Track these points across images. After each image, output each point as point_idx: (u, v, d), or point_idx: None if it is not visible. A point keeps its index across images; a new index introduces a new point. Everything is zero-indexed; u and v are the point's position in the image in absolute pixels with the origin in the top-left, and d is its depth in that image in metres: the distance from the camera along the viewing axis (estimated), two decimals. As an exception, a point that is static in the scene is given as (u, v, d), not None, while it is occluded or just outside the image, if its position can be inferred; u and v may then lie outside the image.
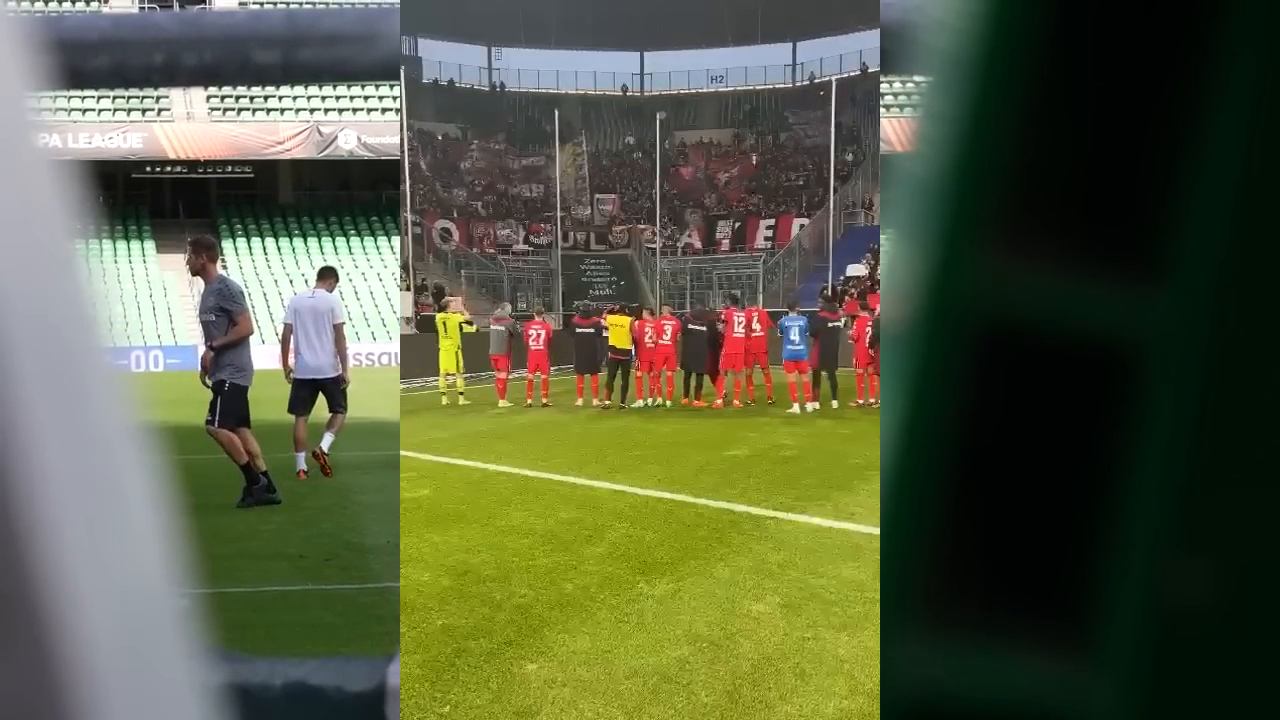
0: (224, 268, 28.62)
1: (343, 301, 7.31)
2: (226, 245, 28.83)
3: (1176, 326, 0.41)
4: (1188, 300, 0.41)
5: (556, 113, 27.88)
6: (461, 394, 11.71)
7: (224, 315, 5.83)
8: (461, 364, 11.99)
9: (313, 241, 29.28)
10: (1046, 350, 0.42)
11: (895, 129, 28.46)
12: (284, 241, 29.21)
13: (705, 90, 35.74)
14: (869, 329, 10.84)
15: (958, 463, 0.43)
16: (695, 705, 2.67)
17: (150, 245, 28.04)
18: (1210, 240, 0.40)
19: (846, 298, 20.96)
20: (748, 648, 3.11)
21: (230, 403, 5.76)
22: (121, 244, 27.73)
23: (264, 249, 28.97)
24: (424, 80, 32.99)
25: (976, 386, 0.43)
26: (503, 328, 12.03)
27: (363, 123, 28.00)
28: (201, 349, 6.08)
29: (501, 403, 11.40)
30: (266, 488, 5.84)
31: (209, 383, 5.84)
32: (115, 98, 26.23)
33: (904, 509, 0.43)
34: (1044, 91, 0.41)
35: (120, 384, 0.31)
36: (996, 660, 0.43)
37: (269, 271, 28.08)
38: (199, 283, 6.27)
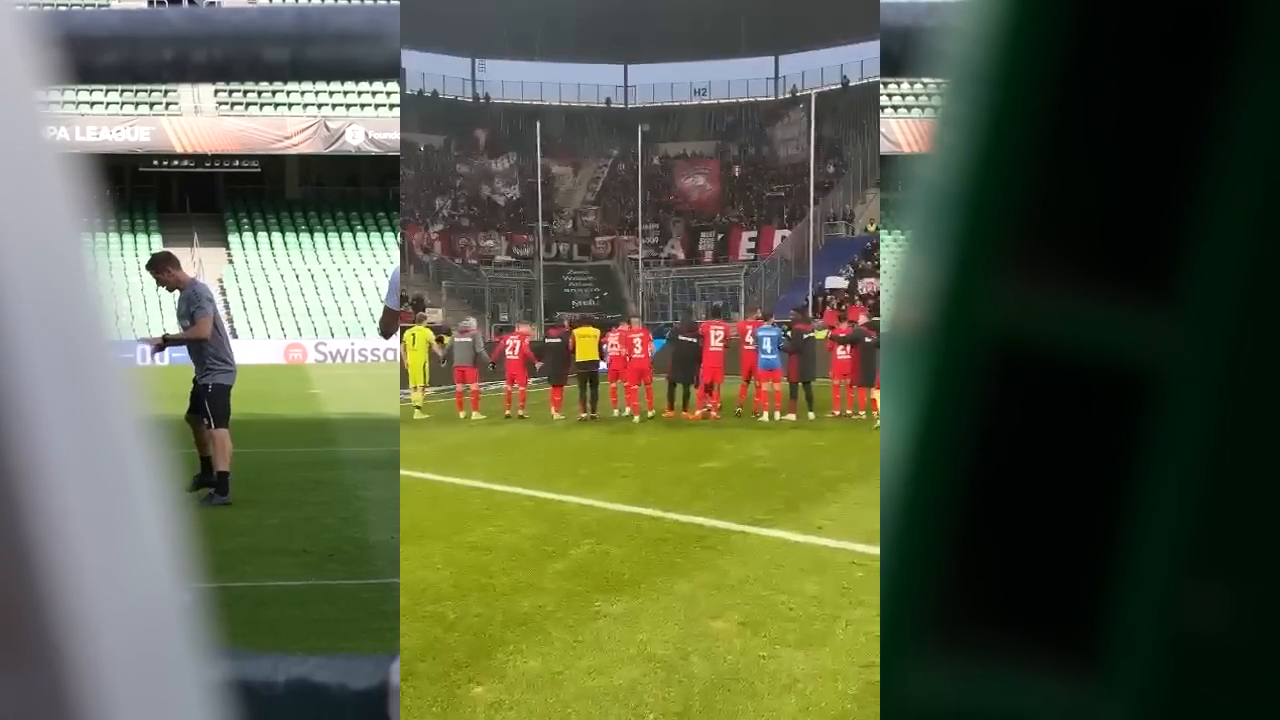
0: (230, 261, 28.57)
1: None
2: (233, 240, 28.69)
3: (1194, 349, 0.40)
4: (1206, 322, 0.40)
5: (539, 125, 27.89)
6: (418, 408, 11.44)
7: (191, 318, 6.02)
8: (427, 377, 11.90)
9: (319, 236, 29.25)
10: (1061, 371, 0.41)
11: (901, 130, 28.66)
12: (290, 236, 29.14)
13: (688, 103, 35.88)
14: (842, 339, 10.86)
15: (968, 483, 0.42)
16: (642, 728, 2.61)
17: (157, 239, 27.93)
18: (1230, 262, 0.40)
19: (827, 309, 21.05)
20: (702, 667, 3.05)
21: (217, 401, 5.90)
22: (128, 237, 27.57)
23: (270, 244, 28.88)
24: (408, 91, 32.95)
25: (989, 406, 0.42)
26: (468, 339, 11.97)
27: (370, 119, 27.99)
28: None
29: (473, 414, 11.33)
30: (217, 490, 5.88)
31: (160, 348, 6.05)
32: (123, 91, 26.17)
33: (911, 529, 0.42)
34: (1062, 109, 0.41)
35: (126, 378, 0.31)
36: (1005, 686, 0.42)
37: (275, 266, 27.98)
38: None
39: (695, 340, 11.02)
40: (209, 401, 5.87)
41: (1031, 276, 0.41)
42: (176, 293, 6.11)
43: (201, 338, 5.88)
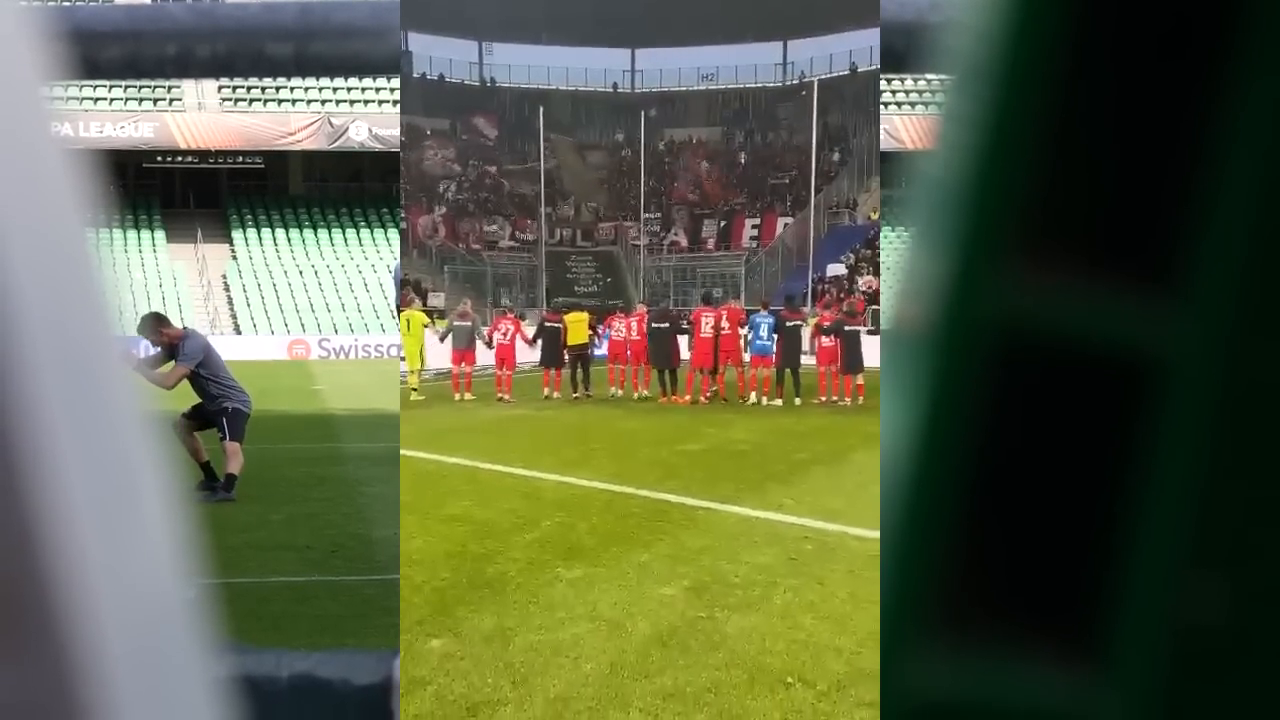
0: (233, 257, 28.60)
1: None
2: (237, 236, 28.86)
3: (1195, 340, 0.40)
4: (1207, 314, 0.40)
5: (542, 109, 28.02)
6: (415, 390, 11.78)
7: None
8: (424, 361, 12.22)
9: (323, 233, 29.40)
10: (1063, 362, 0.42)
11: (904, 126, 28.69)
12: (294, 232, 29.31)
13: (695, 88, 35.91)
14: (825, 328, 11.10)
15: (971, 474, 0.43)
16: (578, 676, 2.87)
17: (160, 235, 28.13)
18: (1230, 254, 0.40)
19: (825, 295, 21.24)
20: (643, 625, 3.31)
21: (234, 422, 6.05)
22: (131, 233, 27.80)
23: (274, 240, 29.08)
24: (414, 75, 33.11)
25: (992, 397, 0.42)
26: (466, 323, 12.28)
27: (374, 114, 28.09)
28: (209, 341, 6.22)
29: (462, 396, 11.62)
30: (223, 486, 6.02)
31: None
32: (127, 87, 26.28)
33: (915, 520, 0.42)
34: (1064, 102, 0.41)
35: (131, 374, 0.31)
36: (1007, 676, 0.43)
37: (279, 262, 28.18)
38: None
39: (667, 326, 11.47)
40: (227, 420, 5.97)
41: (1035, 270, 0.41)
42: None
43: (161, 386, 5.76)
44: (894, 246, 26.27)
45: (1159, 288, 0.41)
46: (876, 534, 4.52)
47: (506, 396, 11.51)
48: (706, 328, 11.25)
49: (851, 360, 10.75)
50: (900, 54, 0.93)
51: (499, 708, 2.66)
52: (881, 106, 29.28)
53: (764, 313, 11.36)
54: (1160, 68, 0.41)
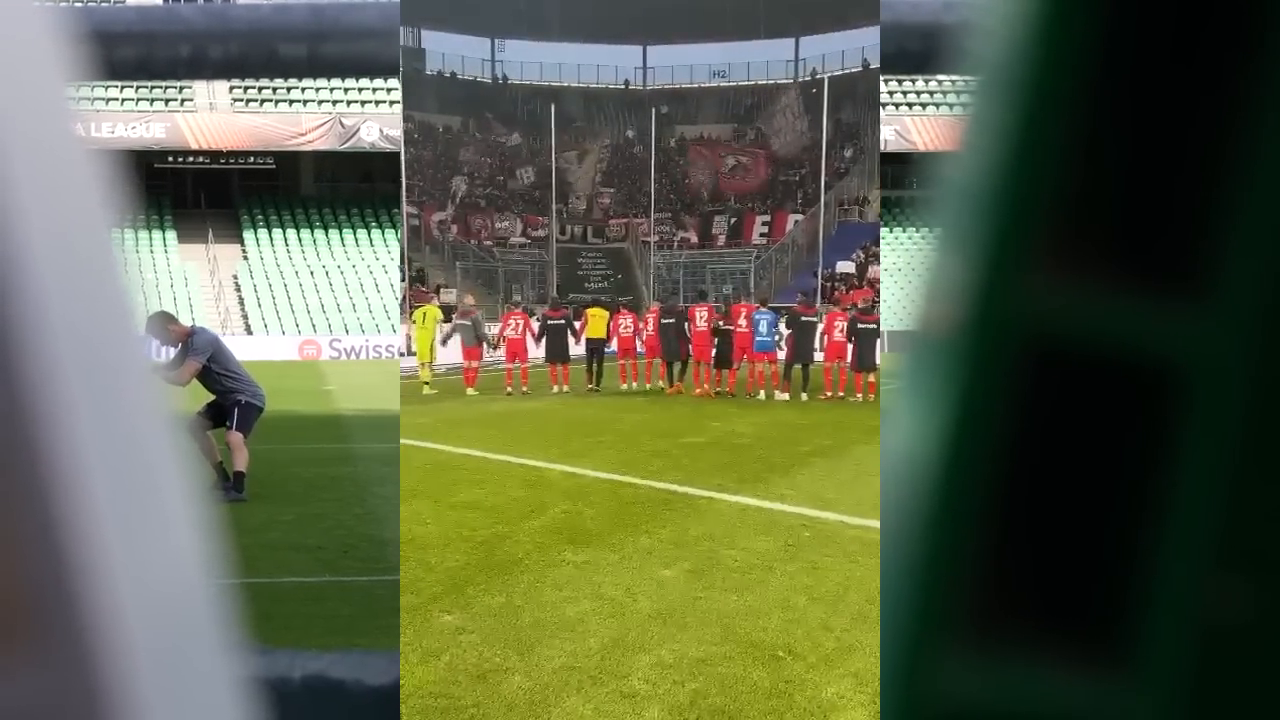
0: (244, 258, 28.76)
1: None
2: (248, 236, 29.11)
3: (1221, 342, 0.40)
4: (1233, 316, 0.40)
5: (553, 106, 28.20)
6: (427, 384, 12.01)
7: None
8: (435, 354, 12.46)
9: (334, 233, 29.59)
10: (1089, 366, 0.42)
11: (915, 127, 28.71)
12: (305, 233, 29.50)
13: (707, 85, 36.00)
14: (838, 324, 11.25)
15: (996, 478, 0.42)
16: (581, 649, 3.05)
17: (172, 235, 28.35)
18: (1257, 257, 0.40)
19: (835, 292, 21.37)
20: (644, 604, 3.49)
21: (245, 415, 6.11)
22: (143, 234, 28.01)
23: (285, 240, 29.29)
24: (427, 71, 33.34)
25: (1016, 400, 0.42)
26: (469, 321, 12.48)
27: (385, 115, 28.24)
28: (221, 335, 6.24)
29: (468, 390, 11.85)
30: (233, 486, 6.07)
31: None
32: (139, 87, 26.48)
33: (941, 525, 0.42)
34: (1091, 104, 0.41)
35: (152, 374, 0.32)
36: (1030, 682, 0.42)
37: (290, 263, 28.39)
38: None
39: (673, 320, 11.74)
40: (239, 411, 6.02)
41: (1061, 274, 0.41)
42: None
43: (175, 383, 5.84)
44: (894, 248, 26.34)
45: (1186, 291, 0.41)
46: (873, 523, 4.68)
47: (523, 388, 11.74)
48: (701, 322, 11.54)
49: (866, 358, 10.91)
50: (913, 55, 0.92)
51: (507, 675, 2.84)
52: (894, 107, 29.30)
53: (763, 310, 11.59)
54: (1187, 69, 0.41)
